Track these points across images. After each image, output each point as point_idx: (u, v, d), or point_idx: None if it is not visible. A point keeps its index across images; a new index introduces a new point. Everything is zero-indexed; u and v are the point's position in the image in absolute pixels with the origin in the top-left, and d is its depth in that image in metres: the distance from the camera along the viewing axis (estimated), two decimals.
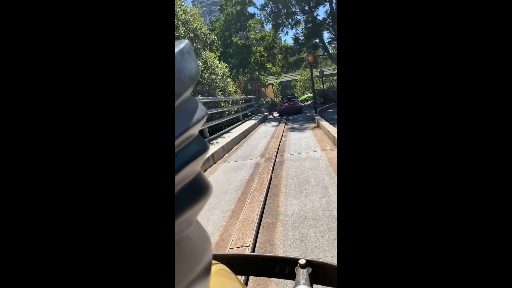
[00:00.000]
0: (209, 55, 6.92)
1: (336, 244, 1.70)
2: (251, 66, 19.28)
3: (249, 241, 1.80)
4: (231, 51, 17.93)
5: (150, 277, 0.15)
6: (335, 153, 3.95)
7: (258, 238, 1.91)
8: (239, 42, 18.81)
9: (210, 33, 7.44)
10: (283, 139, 6.03)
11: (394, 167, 0.20)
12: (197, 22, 6.34)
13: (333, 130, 4.93)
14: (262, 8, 17.12)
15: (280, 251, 1.72)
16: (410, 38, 0.20)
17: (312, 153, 4.24)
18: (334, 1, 15.34)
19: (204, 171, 4.01)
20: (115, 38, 0.16)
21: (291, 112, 12.86)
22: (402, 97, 0.20)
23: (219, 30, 17.54)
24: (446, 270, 0.19)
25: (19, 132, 0.14)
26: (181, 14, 5.73)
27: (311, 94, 18.01)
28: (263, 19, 18.58)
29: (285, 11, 16.64)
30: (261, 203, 2.42)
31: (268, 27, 20.74)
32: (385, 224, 0.20)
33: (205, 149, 0.18)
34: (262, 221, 2.16)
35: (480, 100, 0.19)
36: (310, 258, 0.43)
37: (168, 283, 0.15)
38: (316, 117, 7.81)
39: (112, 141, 0.15)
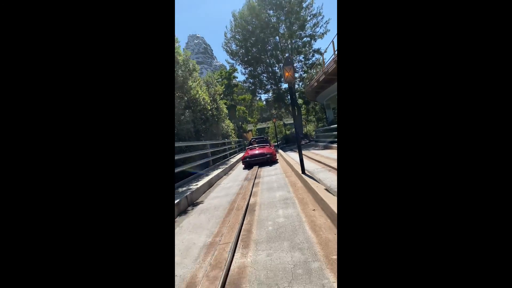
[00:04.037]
0: (228, 123, 13.91)
1: (273, 173, 8.17)
2: (237, 118, 26.68)
3: (254, 174, 8.21)
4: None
5: (150, 274, 0.23)
6: (282, 162, 10.43)
7: (255, 182, 8.27)
8: (228, 103, 26.36)
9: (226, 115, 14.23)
10: None
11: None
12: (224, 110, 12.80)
13: (283, 153, 11.53)
14: (244, 81, 25.17)
15: (264, 181, 8.11)
16: (402, 49, 0.29)
17: (273, 163, 10.78)
18: None
19: (230, 170, 10.24)
20: (122, 41, 0.26)
21: (262, 162, 9.51)
22: (395, 104, 0.30)
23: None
24: None
25: (21, 141, 0.22)
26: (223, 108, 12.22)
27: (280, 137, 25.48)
28: (244, 87, 26.51)
29: (259, 84, 24.77)
30: (254, 177, 8.74)
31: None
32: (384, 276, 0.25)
33: None
34: (255, 178, 8.53)
35: (474, 106, 0.25)
36: None
37: (168, 280, 0.21)
38: (279, 150, 14.61)
39: (115, 141, 0.25)
